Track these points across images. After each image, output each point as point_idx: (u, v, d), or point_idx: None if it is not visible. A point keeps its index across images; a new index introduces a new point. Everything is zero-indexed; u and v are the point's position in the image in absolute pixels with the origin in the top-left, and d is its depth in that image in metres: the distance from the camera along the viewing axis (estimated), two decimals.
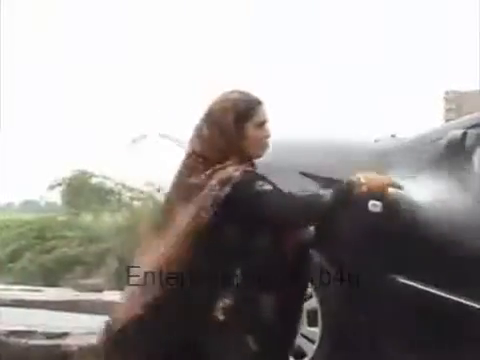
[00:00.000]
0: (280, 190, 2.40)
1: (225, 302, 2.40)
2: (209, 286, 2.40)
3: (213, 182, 2.37)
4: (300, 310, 2.59)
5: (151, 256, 2.44)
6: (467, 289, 2.79)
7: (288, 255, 2.41)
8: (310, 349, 3.27)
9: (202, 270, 2.40)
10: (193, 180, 2.42)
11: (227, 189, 2.35)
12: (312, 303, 3.21)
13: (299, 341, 3.25)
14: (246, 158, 2.45)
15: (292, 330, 2.54)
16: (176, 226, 2.42)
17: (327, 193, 2.40)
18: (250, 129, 2.46)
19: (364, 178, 2.40)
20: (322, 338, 3.24)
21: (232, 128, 2.43)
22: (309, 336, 3.28)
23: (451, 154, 2.86)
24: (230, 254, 2.41)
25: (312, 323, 3.26)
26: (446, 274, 2.83)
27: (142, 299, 2.41)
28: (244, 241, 2.40)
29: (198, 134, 2.48)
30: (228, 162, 2.39)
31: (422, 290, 2.88)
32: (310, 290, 3.13)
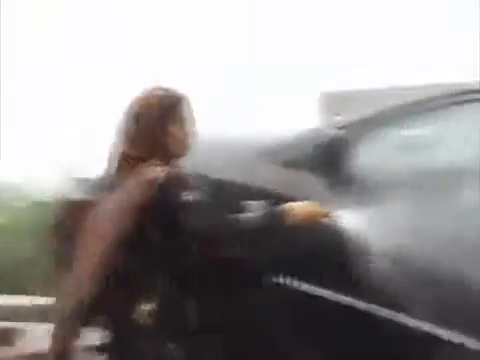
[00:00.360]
0: (207, 203, 2.35)
1: (148, 306, 2.33)
2: (133, 289, 2.32)
3: (137, 182, 2.30)
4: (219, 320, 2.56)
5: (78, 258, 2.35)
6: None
7: (210, 264, 2.37)
8: None
9: (127, 272, 2.33)
10: (118, 179, 2.36)
11: (152, 190, 2.28)
12: None
13: None
14: (170, 157, 2.40)
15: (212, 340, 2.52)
16: (98, 227, 2.33)
17: (254, 217, 2.36)
18: (174, 127, 2.41)
19: (297, 208, 2.40)
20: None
21: (156, 125, 2.37)
22: None
23: (325, 154, 2.91)
24: (154, 257, 2.34)
25: None
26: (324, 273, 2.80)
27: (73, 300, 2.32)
28: (167, 246, 2.33)
29: (122, 131, 2.42)
30: (152, 160, 2.33)
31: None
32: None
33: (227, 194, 2.77)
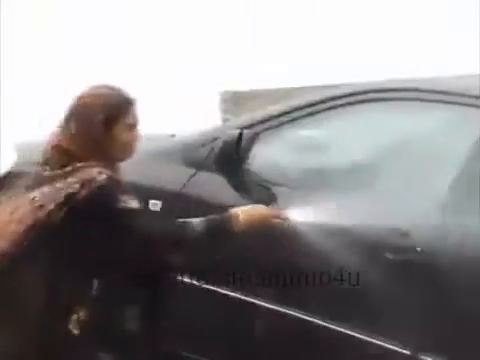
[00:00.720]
0: (147, 210, 2.30)
1: (80, 315, 2.20)
2: (61, 295, 2.17)
3: (73, 180, 2.17)
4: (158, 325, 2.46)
5: None
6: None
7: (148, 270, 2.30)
8: None
9: (52, 276, 2.17)
10: (46, 172, 2.23)
11: (87, 192, 2.15)
12: None
13: None
14: (110, 160, 2.28)
15: (149, 346, 2.41)
16: (9, 218, 2.15)
17: (199, 223, 2.25)
18: (119, 130, 2.29)
19: (243, 213, 2.31)
20: None
21: (100, 127, 2.24)
22: None
23: (227, 154, 2.88)
24: (86, 263, 2.19)
25: None
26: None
27: None
28: (101, 252, 2.18)
29: (64, 127, 2.28)
30: (91, 162, 2.20)
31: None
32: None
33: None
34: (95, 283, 2.25)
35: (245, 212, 2.34)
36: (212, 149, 2.97)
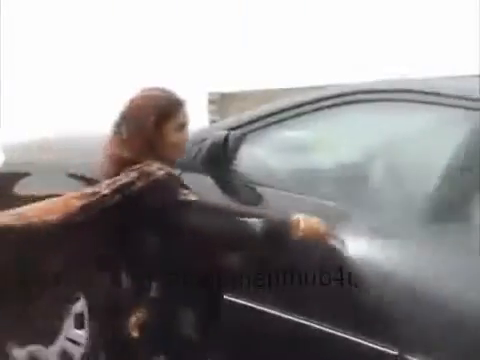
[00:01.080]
0: (206, 204, 2.23)
1: (138, 316, 2.16)
2: (118, 296, 2.18)
3: (133, 173, 2.19)
4: (216, 327, 2.41)
5: None
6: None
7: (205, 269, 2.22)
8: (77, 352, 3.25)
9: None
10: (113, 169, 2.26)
11: (143, 183, 2.16)
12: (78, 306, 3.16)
13: (65, 344, 3.22)
14: (162, 161, 2.28)
15: (206, 347, 2.34)
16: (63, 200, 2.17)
17: (259, 224, 2.20)
18: (170, 130, 2.33)
19: (304, 222, 2.24)
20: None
21: (152, 127, 2.27)
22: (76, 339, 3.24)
23: (215, 154, 2.86)
24: (144, 262, 2.19)
25: (79, 326, 3.20)
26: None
27: None
28: (158, 249, 2.18)
29: (115, 132, 2.31)
30: (145, 162, 2.22)
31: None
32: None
33: None
34: (153, 285, 2.20)
35: (307, 222, 2.27)
36: (200, 150, 2.93)
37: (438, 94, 2.70)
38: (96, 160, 2.54)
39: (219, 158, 2.86)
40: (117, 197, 2.13)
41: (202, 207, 2.20)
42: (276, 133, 3.04)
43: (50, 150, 3.41)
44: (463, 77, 3.26)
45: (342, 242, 2.33)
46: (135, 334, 2.15)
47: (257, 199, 2.81)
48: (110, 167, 2.28)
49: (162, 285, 2.20)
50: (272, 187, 2.86)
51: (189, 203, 2.17)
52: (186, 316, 2.26)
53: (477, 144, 2.55)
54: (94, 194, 2.15)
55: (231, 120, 3.23)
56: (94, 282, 2.23)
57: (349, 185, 2.75)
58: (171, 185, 2.21)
